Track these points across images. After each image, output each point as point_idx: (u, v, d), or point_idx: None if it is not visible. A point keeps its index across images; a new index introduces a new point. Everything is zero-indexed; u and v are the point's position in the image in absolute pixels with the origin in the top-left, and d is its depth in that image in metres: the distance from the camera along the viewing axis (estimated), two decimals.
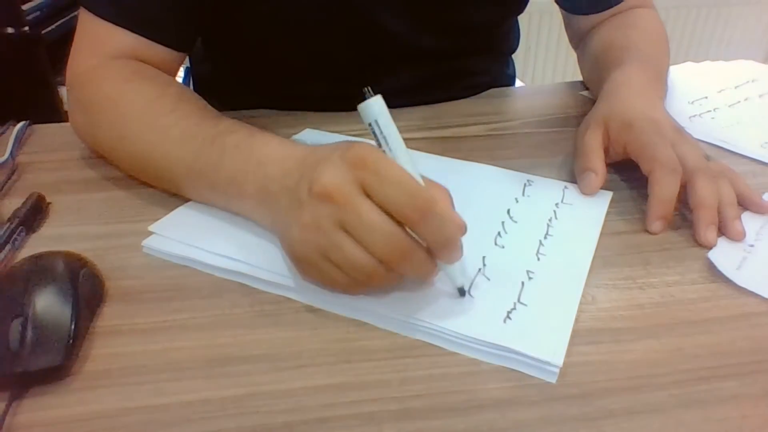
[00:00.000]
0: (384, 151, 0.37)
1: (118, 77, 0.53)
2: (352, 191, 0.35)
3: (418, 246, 0.36)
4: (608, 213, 0.49)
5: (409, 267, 0.36)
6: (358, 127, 0.59)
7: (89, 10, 0.54)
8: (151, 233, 0.45)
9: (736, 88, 0.73)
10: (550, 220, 0.48)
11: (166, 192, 0.50)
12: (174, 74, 0.60)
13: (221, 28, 0.67)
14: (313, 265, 0.38)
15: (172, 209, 0.47)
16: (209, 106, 0.52)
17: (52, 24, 1.40)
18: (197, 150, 0.46)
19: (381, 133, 0.37)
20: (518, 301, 0.39)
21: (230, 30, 0.68)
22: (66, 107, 0.59)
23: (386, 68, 0.64)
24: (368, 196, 0.35)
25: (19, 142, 0.59)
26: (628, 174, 0.53)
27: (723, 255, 0.44)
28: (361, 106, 0.36)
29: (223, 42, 0.71)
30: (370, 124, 0.37)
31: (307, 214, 0.37)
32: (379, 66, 0.63)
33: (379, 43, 0.63)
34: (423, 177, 0.37)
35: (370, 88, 0.36)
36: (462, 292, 0.39)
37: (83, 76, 0.55)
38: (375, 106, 0.36)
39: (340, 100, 0.55)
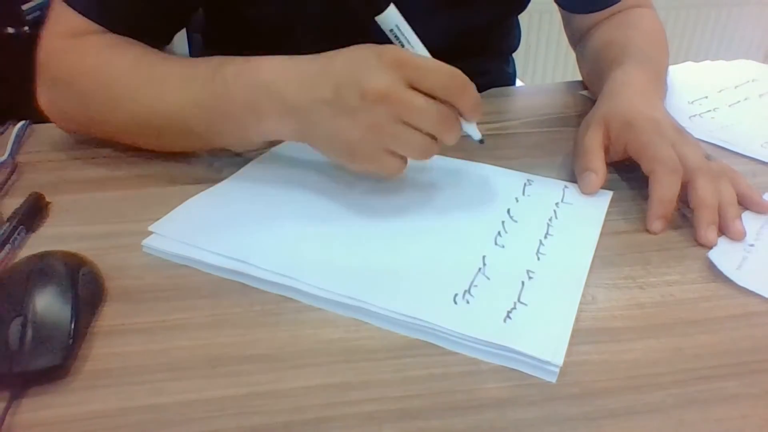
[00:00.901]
0: (408, 50, 0.44)
1: (99, 45, 0.53)
2: (403, 89, 0.41)
3: (457, 116, 0.44)
4: (608, 212, 0.49)
5: (454, 134, 0.44)
6: None
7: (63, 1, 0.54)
8: (150, 233, 0.45)
9: (736, 87, 0.73)
10: (550, 219, 0.48)
11: (174, 150, 0.51)
12: None
13: (221, 29, 0.67)
14: (372, 158, 0.44)
15: (172, 209, 0.47)
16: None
17: None
18: (200, 88, 0.48)
19: (402, 35, 0.45)
20: (518, 300, 0.39)
21: (231, 31, 0.68)
22: None
23: None
24: (414, 89, 0.41)
25: (19, 141, 0.59)
26: (628, 174, 0.53)
27: (723, 255, 0.44)
28: (380, 17, 0.44)
29: (224, 43, 0.71)
30: (391, 30, 0.44)
31: (368, 117, 0.42)
32: None
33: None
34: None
35: None
36: (482, 141, 0.48)
37: (60, 51, 0.54)
38: (392, 13, 0.44)
39: None
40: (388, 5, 0.43)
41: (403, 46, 0.45)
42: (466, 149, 0.58)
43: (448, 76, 0.42)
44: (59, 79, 0.54)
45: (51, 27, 0.56)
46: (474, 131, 0.48)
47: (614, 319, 0.39)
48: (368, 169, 0.46)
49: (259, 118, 0.46)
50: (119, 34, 0.54)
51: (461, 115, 0.45)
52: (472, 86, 0.44)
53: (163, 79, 0.50)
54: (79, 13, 0.54)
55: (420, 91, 0.42)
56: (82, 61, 0.53)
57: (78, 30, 0.54)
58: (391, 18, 0.44)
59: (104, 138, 0.56)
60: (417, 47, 0.45)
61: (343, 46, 0.44)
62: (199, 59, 0.50)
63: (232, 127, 0.48)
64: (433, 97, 0.42)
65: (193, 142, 0.51)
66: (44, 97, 0.56)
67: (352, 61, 0.43)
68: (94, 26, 0.54)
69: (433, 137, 0.44)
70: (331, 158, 0.47)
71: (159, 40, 0.58)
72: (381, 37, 0.45)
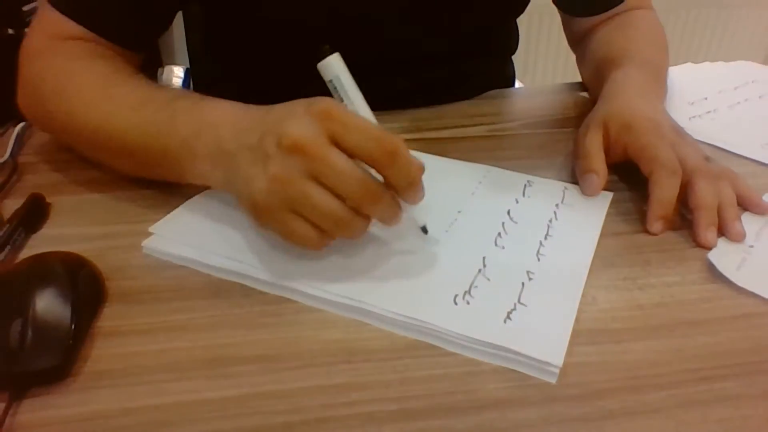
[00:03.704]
0: (345, 105, 0.40)
1: (71, 53, 0.53)
2: (322, 142, 0.36)
3: (385, 189, 0.38)
4: (608, 213, 0.49)
5: (379, 209, 0.39)
6: None
7: (47, 1, 0.54)
8: (151, 234, 0.45)
9: (735, 89, 0.73)
10: (550, 220, 0.48)
11: (118, 170, 0.51)
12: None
13: (220, 31, 0.67)
14: (276, 216, 0.38)
15: (172, 210, 0.47)
16: None
17: None
18: (150, 116, 0.46)
19: (342, 87, 0.40)
20: (518, 301, 0.39)
21: (230, 33, 0.68)
22: None
23: (387, 73, 0.64)
24: (336, 146, 0.37)
25: (19, 142, 0.59)
26: (628, 175, 0.53)
27: (723, 256, 0.44)
28: (321, 65, 0.39)
29: (223, 44, 0.72)
30: (330, 81, 0.40)
31: (276, 166, 0.37)
32: (379, 70, 0.63)
33: (380, 49, 0.63)
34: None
35: (328, 47, 0.39)
36: (425, 230, 0.43)
37: (34, 53, 0.54)
38: (334, 63, 0.40)
39: None
40: (329, 54, 0.39)
41: (342, 100, 0.40)
42: (465, 150, 0.58)
43: (375, 141, 0.37)
44: (29, 80, 0.54)
45: (34, 26, 0.56)
46: (418, 214, 0.42)
47: (614, 320, 0.39)
48: (272, 228, 0.40)
49: (194, 157, 0.44)
50: (100, 35, 0.54)
51: (394, 192, 0.39)
52: (407, 158, 0.37)
53: (120, 99, 0.49)
54: (61, 13, 0.54)
55: (343, 150, 0.37)
56: (52, 65, 0.53)
57: (60, 31, 0.54)
58: (332, 68, 0.40)
59: (66, 144, 0.55)
60: (356, 103, 0.40)
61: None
62: (162, 87, 0.50)
63: (169, 160, 0.46)
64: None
65: (135, 167, 0.50)
66: (20, 97, 0.56)
67: (284, 110, 0.40)
68: (77, 28, 0.54)
69: (350, 207, 0.38)
70: (248, 213, 0.41)
71: (141, 43, 0.58)
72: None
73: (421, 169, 0.38)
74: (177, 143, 0.44)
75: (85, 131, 0.50)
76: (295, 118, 0.38)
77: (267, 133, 0.38)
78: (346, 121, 0.37)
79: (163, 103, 0.46)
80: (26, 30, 0.58)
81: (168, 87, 0.50)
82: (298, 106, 0.39)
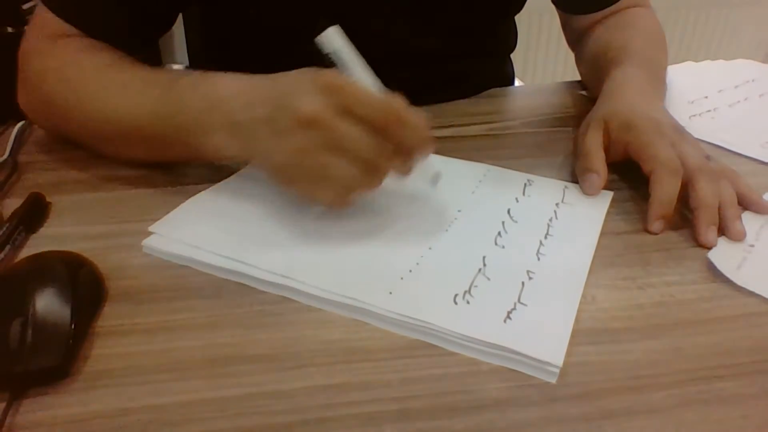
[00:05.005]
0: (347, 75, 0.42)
1: (71, 48, 0.54)
2: (333, 115, 0.39)
3: (396, 150, 0.41)
4: (608, 213, 0.49)
5: (392, 165, 0.42)
6: None
7: (43, 3, 0.55)
8: (151, 233, 0.44)
9: (736, 87, 0.73)
10: (550, 220, 0.48)
11: (129, 158, 0.52)
12: None
13: (218, 31, 0.67)
14: (299, 184, 0.43)
15: (172, 209, 0.47)
16: None
17: None
18: (158, 96, 0.48)
19: (341, 60, 0.43)
20: (518, 301, 0.39)
21: (227, 34, 0.68)
22: None
23: (385, 72, 0.64)
24: (345, 116, 0.40)
25: (19, 141, 0.59)
26: (628, 174, 0.53)
27: (723, 255, 0.44)
28: (319, 38, 0.42)
29: (222, 45, 0.71)
30: (328, 54, 0.42)
31: (294, 141, 0.40)
32: (378, 70, 0.63)
33: (378, 48, 0.62)
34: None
35: (326, 20, 0.41)
36: (435, 180, 0.46)
37: (34, 51, 0.55)
38: (332, 36, 0.42)
39: None
40: (327, 26, 0.41)
41: (343, 71, 0.43)
42: (465, 149, 0.58)
43: (381, 108, 0.40)
44: (29, 79, 0.55)
45: (31, 28, 0.56)
46: (428, 167, 0.45)
47: (614, 320, 0.39)
48: (301, 194, 0.44)
49: (208, 131, 0.46)
50: (99, 39, 0.55)
51: (404, 152, 0.42)
52: (414, 118, 0.41)
53: (125, 84, 0.50)
54: (59, 17, 0.54)
55: (353, 120, 0.40)
56: (52, 61, 0.53)
57: (57, 33, 0.55)
58: (330, 41, 0.42)
59: (71, 140, 0.56)
60: (358, 73, 0.43)
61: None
62: (165, 69, 0.52)
63: (183, 138, 0.48)
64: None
65: (148, 151, 0.51)
66: (21, 97, 0.56)
67: (291, 83, 0.42)
68: (74, 30, 0.55)
69: (368, 168, 0.41)
70: (271, 179, 0.45)
71: (140, 45, 0.58)
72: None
73: (426, 125, 0.41)
74: (190, 120, 0.46)
75: (94, 122, 0.51)
76: (305, 93, 0.40)
77: (279, 107, 0.41)
78: (351, 93, 0.40)
79: (169, 84, 0.48)
80: (26, 28, 0.58)
81: (167, 68, 0.51)
82: (305, 79, 0.41)
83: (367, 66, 0.43)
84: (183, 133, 0.47)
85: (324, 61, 0.43)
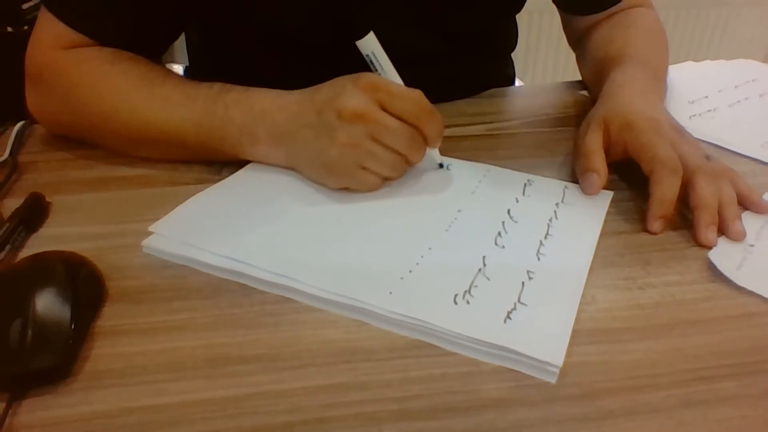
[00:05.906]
0: (381, 75, 0.49)
1: (99, 59, 0.55)
2: (375, 110, 0.46)
3: (423, 139, 0.48)
4: (608, 213, 0.49)
5: (420, 155, 0.49)
6: None
7: (48, 9, 0.55)
8: (151, 233, 0.44)
9: (736, 87, 0.72)
10: (550, 220, 0.48)
11: (164, 158, 0.54)
12: None
13: (216, 32, 0.67)
14: (350, 174, 0.48)
15: (172, 209, 0.47)
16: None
17: None
18: (202, 109, 0.51)
19: (377, 60, 0.49)
20: (518, 301, 0.39)
21: (228, 36, 0.68)
22: None
23: None
24: (385, 111, 0.46)
25: (19, 141, 0.59)
26: (628, 174, 0.53)
27: (723, 255, 0.44)
28: (360, 42, 0.48)
29: (222, 46, 0.71)
30: (367, 55, 0.49)
31: (343, 135, 0.46)
32: None
33: None
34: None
35: (367, 29, 0.48)
36: (442, 165, 0.54)
37: (53, 64, 0.55)
38: (370, 40, 0.48)
39: None
40: (368, 32, 0.48)
41: (377, 71, 0.49)
42: (465, 149, 0.58)
43: (416, 104, 0.47)
44: (54, 90, 0.55)
45: (39, 37, 0.56)
46: (436, 156, 0.53)
47: (614, 320, 0.39)
48: (346, 184, 0.49)
49: (254, 142, 0.51)
50: (110, 47, 0.55)
51: (425, 140, 0.48)
52: (438, 114, 0.48)
53: (166, 97, 0.52)
54: (69, 26, 0.54)
55: (391, 114, 0.46)
56: (81, 75, 0.54)
57: (67, 41, 0.55)
58: (370, 44, 0.48)
59: (94, 144, 0.57)
60: (390, 74, 0.49)
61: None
62: (201, 83, 0.54)
63: (227, 148, 0.52)
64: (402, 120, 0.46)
65: (183, 155, 0.54)
66: (36, 105, 0.57)
67: (331, 88, 0.48)
68: (87, 40, 0.55)
69: (402, 156, 0.48)
70: (314, 178, 0.50)
71: (151, 53, 0.59)
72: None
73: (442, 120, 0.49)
74: (236, 131, 0.51)
75: (131, 129, 0.53)
76: (347, 93, 0.46)
77: (323, 110, 0.47)
78: (390, 90, 0.46)
79: (212, 97, 0.51)
80: (26, 28, 0.58)
81: (207, 83, 0.54)
82: (345, 82, 0.47)
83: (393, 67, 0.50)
84: (227, 144, 0.51)
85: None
